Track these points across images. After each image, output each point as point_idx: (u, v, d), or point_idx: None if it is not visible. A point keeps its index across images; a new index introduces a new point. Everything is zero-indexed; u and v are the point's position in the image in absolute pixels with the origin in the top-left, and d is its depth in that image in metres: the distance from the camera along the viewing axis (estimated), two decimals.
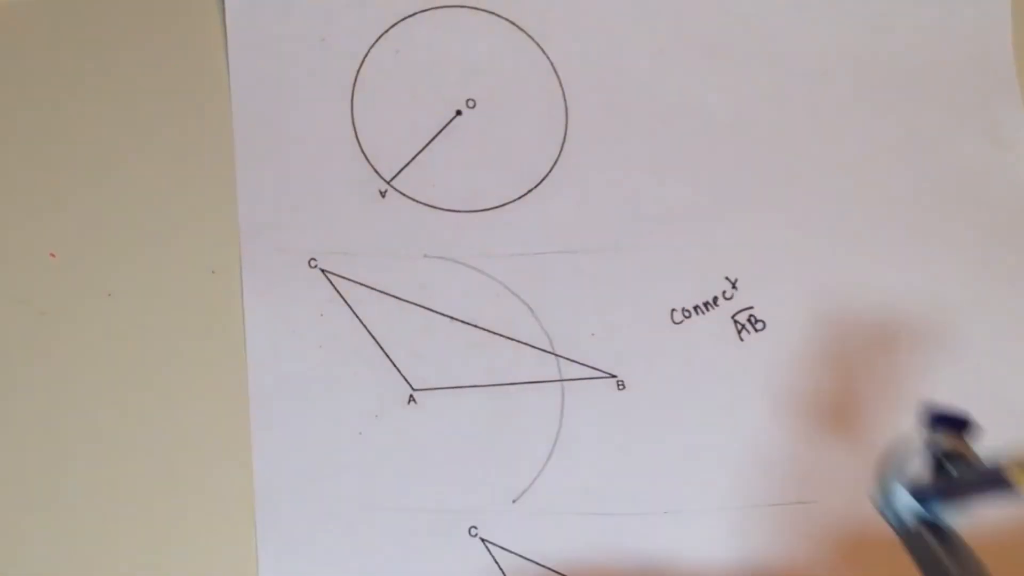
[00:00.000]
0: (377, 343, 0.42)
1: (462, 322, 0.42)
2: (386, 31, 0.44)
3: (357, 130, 0.44)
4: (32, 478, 0.41)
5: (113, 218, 0.43)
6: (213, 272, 0.43)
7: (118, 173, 0.44)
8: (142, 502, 0.41)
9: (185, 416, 0.41)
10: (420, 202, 0.43)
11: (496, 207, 0.43)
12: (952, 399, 0.32)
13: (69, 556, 0.40)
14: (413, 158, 0.43)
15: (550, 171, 0.44)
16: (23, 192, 0.43)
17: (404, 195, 0.43)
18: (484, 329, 0.42)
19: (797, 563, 0.40)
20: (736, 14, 0.44)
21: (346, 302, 0.42)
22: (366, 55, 0.44)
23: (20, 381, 0.42)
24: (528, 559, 0.40)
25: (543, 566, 0.40)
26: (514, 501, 0.41)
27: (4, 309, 0.42)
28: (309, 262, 0.43)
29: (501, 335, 0.42)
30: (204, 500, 0.41)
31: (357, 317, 0.42)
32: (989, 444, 0.31)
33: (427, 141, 0.44)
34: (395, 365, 0.42)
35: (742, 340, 0.42)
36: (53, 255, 0.43)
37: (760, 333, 0.42)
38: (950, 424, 0.32)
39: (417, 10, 0.44)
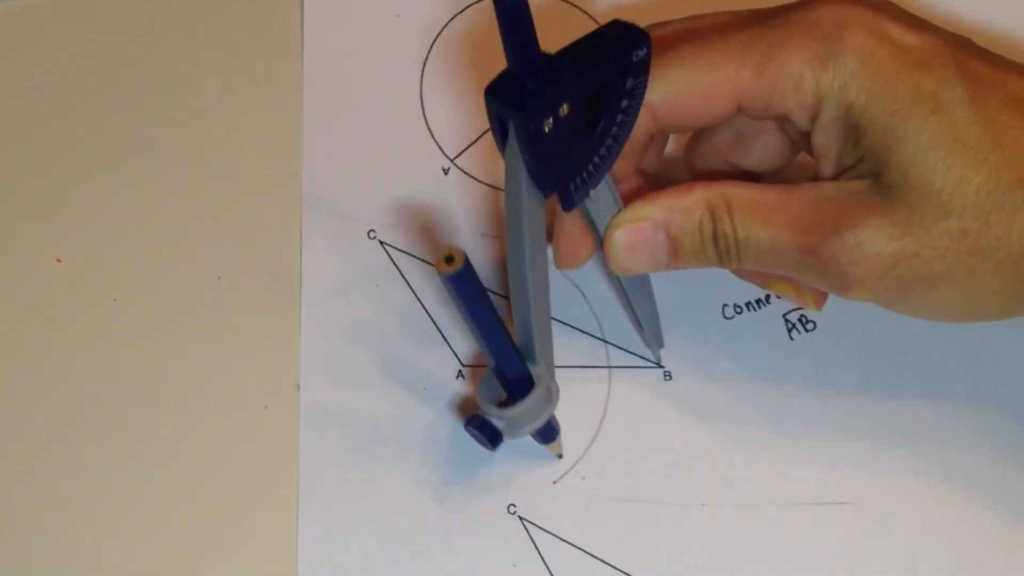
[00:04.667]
0: (430, 317, 0.42)
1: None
2: (460, 11, 0.45)
3: (425, 107, 0.44)
4: (35, 483, 0.41)
5: (119, 224, 0.44)
6: (219, 278, 0.43)
7: (124, 177, 0.44)
8: (158, 506, 0.41)
9: (195, 421, 0.42)
10: (481, 182, 0.44)
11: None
12: None
13: (73, 558, 0.40)
14: (478, 138, 0.44)
15: None
16: (29, 197, 0.44)
17: (466, 174, 0.44)
18: None
19: (833, 564, 0.40)
20: None
21: (402, 275, 0.43)
22: (439, 34, 0.45)
23: (26, 387, 0.42)
24: (565, 540, 0.40)
25: (579, 548, 0.40)
26: (554, 482, 0.41)
27: (10, 315, 0.43)
28: (368, 233, 0.43)
29: (553, 318, 0.43)
30: (236, 501, 0.41)
31: (412, 290, 0.43)
32: None
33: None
34: (446, 340, 0.42)
35: (792, 339, 0.42)
36: (59, 261, 0.43)
37: (810, 334, 0.42)
38: None
39: None
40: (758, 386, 0.42)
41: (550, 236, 0.39)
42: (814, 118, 0.34)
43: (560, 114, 0.31)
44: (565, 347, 0.42)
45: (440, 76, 0.45)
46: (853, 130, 0.33)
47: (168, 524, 0.40)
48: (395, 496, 0.41)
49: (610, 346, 0.42)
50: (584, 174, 0.34)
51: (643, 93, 0.33)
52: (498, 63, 0.44)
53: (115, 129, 0.45)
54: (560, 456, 0.41)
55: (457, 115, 0.44)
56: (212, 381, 0.42)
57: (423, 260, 0.43)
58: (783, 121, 0.35)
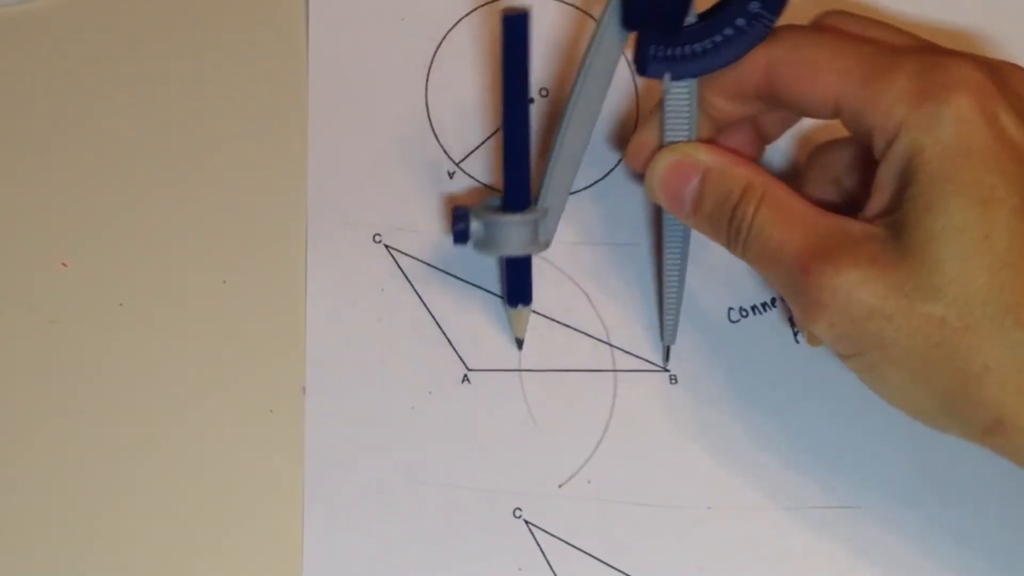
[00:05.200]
0: (435, 321, 0.42)
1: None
2: (466, 15, 0.45)
3: (430, 111, 0.44)
4: (40, 486, 0.41)
5: (124, 227, 0.44)
6: (224, 282, 0.43)
7: (128, 180, 0.44)
8: (163, 510, 0.41)
9: (201, 425, 0.42)
10: (487, 185, 0.44)
11: None
12: None
13: (79, 561, 0.40)
14: (483, 142, 0.44)
15: (617, 163, 0.44)
16: (34, 200, 0.44)
17: (472, 177, 0.44)
18: (541, 314, 0.43)
19: (838, 568, 0.40)
20: None
21: (407, 279, 0.43)
22: (444, 37, 0.45)
23: (31, 390, 0.42)
24: (570, 544, 0.40)
25: (585, 552, 0.40)
26: (560, 486, 0.41)
27: (15, 318, 0.43)
28: (373, 237, 0.43)
29: (558, 321, 0.43)
30: (242, 505, 0.41)
31: (417, 294, 0.43)
32: None
33: (498, 127, 0.44)
34: (451, 344, 0.42)
35: (798, 342, 0.42)
36: (64, 264, 0.43)
37: None
38: None
39: None
40: (764, 389, 0.42)
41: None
42: (887, 147, 0.34)
43: None
44: (570, 351, 0.42)
45: (445, 79, 0.45)
46: (909, 175, 0.33)
47: (174, 527, 0.40)
48: (400, 500, 0.41)
49: (615, 349, 0.42)
50: (670, 51, 0.36)
51: (766, 24, 0.35)
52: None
53: (119, 132, 0.44)
54: (519, 340, 0.42)
55: (462, 119, 0.44)
56: (217, 384, 0.42)
57: (429, 264, 0.43)
58: (865, 142, 0.35)
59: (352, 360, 0.42)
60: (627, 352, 0.42)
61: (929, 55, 0.34)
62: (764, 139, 0.40)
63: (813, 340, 0.41)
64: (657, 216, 0.42)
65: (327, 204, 0.43)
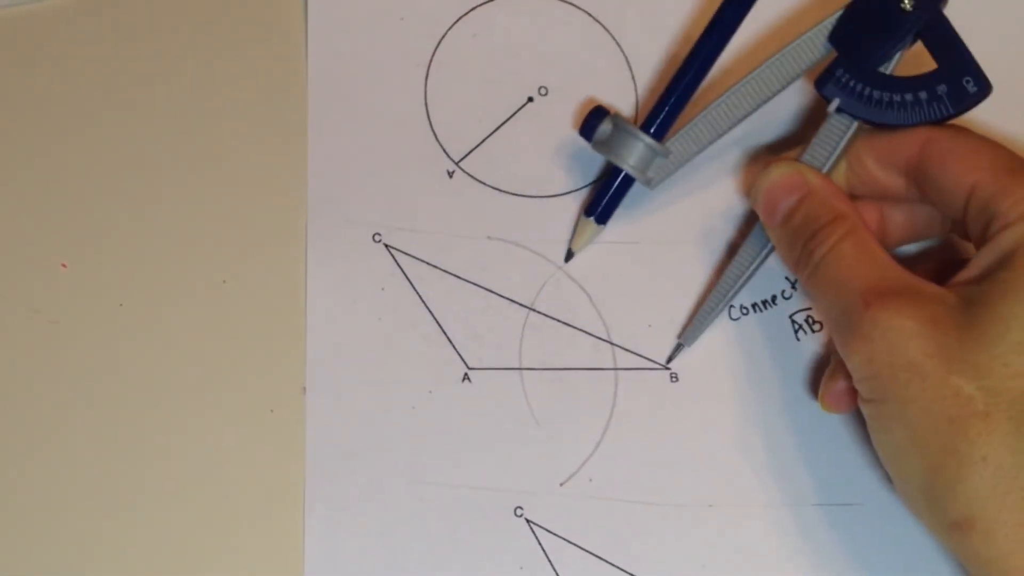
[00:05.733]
0: (435, 320, 0.42)
1: (520, 305, 0.43)
2: (465, 14, 0.45)
3: (429, 110, 0.44)
4: (41, 487, 0.41)
5: (125, 228, 0.44)
6: (224, 282, 0.43)
7: (129, 181, 0.44)
8: (164, 510, 0.41)
9: (201, 425, 0.42)
10: (487, 184, 0.44)
11: (561, 194, 0.44)
12: None
13: (80, 561, 0.40)
14: (483, 141, 0.44)
15: None
16: (34, 201, 0.44)
17: (471, 176, 0.44)
18: (542, 313, 0.43)
19: (840, 565, 0.40)
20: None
21: (407, 278, 0.43)
22: (443, 37, 0.45)
23: (32, 391, 0.42)
24: (572, 543, 0.40)
25: (586, 550, 0.40)
26: (561, 484, 0.41)
27: (15, 319, 0.43)
28: (373, 236, 0.43)
29: (558, 320, 0.43)
30: (242, 504, 0.41)
31: (417, 293, 0.43)
32: None
33: (497, 125, 0.44)
34: (452, 343, 0.42)
35: (798, 340, 0.42)
36: (64, 265, 0.43)
37: (817, 334, 0.42)
38: None
39: None
40: (764, 387, 0.42)
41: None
42: (1000, 231, 0.35)
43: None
44: (570, 349, 0.42)
45: (445, 79, 0.45)
46: (1007, 261, 0.34)
47: (175, 527, 0.40)
48: (401, 499, 0.41)
49: (616, 348, 0.42)
50: (853, 82, 0.38)
51: (945, 112, 0.37)
52: (505, 64, 0.45)
53: (119, 133, 0.44)
54: (570, 252, 0.43)
55: (462, 118, 0.44)
56: (218, 385, 0.42)
57: (428, 263, 0.43)
58: (982, 227, 0.36)
59: (352, 360, 0.42)
60: (628, 351, 0.42)
61: None
62: (884, 236, 0.41)
63: (827, 401, 0.40)
64: (747, 220, 0.43)
65: (327, 203, 0.43)
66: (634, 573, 0.40)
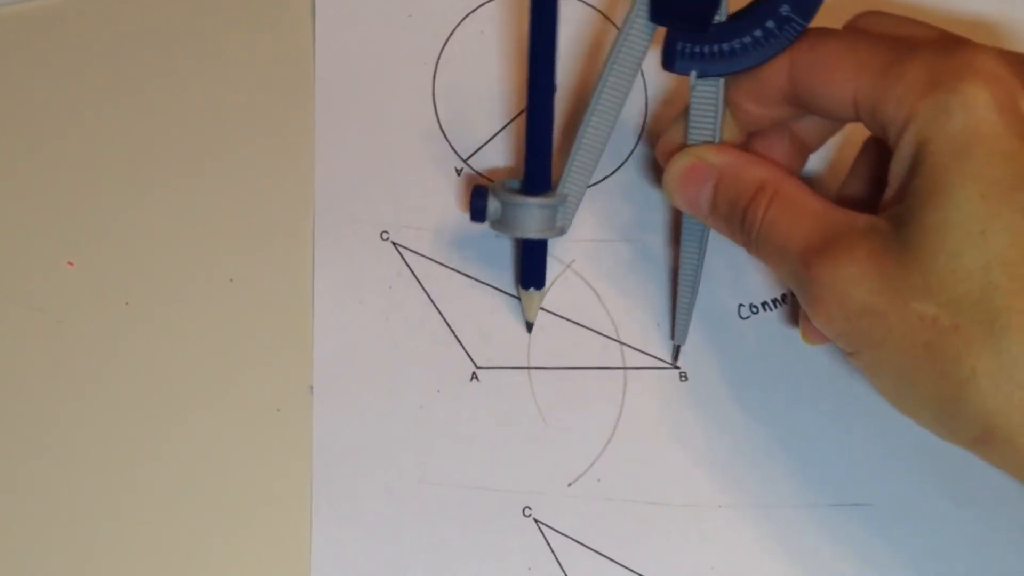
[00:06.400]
0: (443, 318, 0.42)
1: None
2: (473, 11, 0.45)
3: (437, 107, 0.44)
4: (46, 485, 0.41)
5: (131, 226, 0.43)
6: (231, 280, 0.43)
7: (135, 180, 0.44)
8: (171, 509, 0.41)
9: (208, 424, 0.42)
10: (494, 182, 0.43)
11: None
12: None
13: (85, 560, 0.40)
14: (491, 138, 0.44)
15: (625, 161, 0.44)
16: (40, 200, 0.44)
17: (479, 174, 0.44)
18: (550, 312, 0.42)
19: (850, 565, 0.40)
20: None
21: (415, 276, 0.43)
22: (451, 34, 0.45)
23: (37, 390, 0.42)
24: (580, 542, 0.40)
25: (594, 550, 0.40)
26: (570, 485, 0.41)
27: (21, 317, 0.42)
28: (381, 234, 0.43)
29: (567, 319, 0.42)
30: (249, 503, 0.41)
31: (425, 292, 0.43)
32: None
33: (506, 123, 0.44)
34: (460, 342, 0.42)
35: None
36: (71, 263, 0.43)
37: None
38: None
39: None
40: (774, 387, 0.42)
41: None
42: (898, 138, 0.33)
43: None
44: (579, 348, 0.42)
45: (452, 76, 0.44)
46: (916, 168, 0.32)
47: (181, 527, 0.40)
48: (409, 499, 0.40)
49: (625, 347, 0.42)
50: (698, 48, 0.36)
51: (796, 28, 0.35)
52: (513, 61, 0.44)
53: (126, 132, 0.44)
54: (529, 324, 0.42)
55: (470, 115, 0.44)
56: (224, 384, 0.42)
57: (436, 262, 0.43)
58: (882, 136, 0.34)
59: (360, 359, 0.42)
60: (637, 350, 0.42)
61: (947, 45, 0.33)
62: (804, 148, 0.39)
63: (807, 335, 0.40)
64: (675, 215, 0.42)
65: (334, 201, 0.43)
66: (643, 573, 0.40)
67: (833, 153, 0.43)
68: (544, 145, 0.38)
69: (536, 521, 0.40)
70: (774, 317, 0.42)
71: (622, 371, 0.42)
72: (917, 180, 0.32)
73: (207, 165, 0.44)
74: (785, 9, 0.35)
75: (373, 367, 0.42)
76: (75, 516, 0.41)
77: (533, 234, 0.39)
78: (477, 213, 0.39)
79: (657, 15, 0.36)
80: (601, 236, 0.43)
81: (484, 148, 0.44)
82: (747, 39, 0.35)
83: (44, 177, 0.44)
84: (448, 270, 0.43)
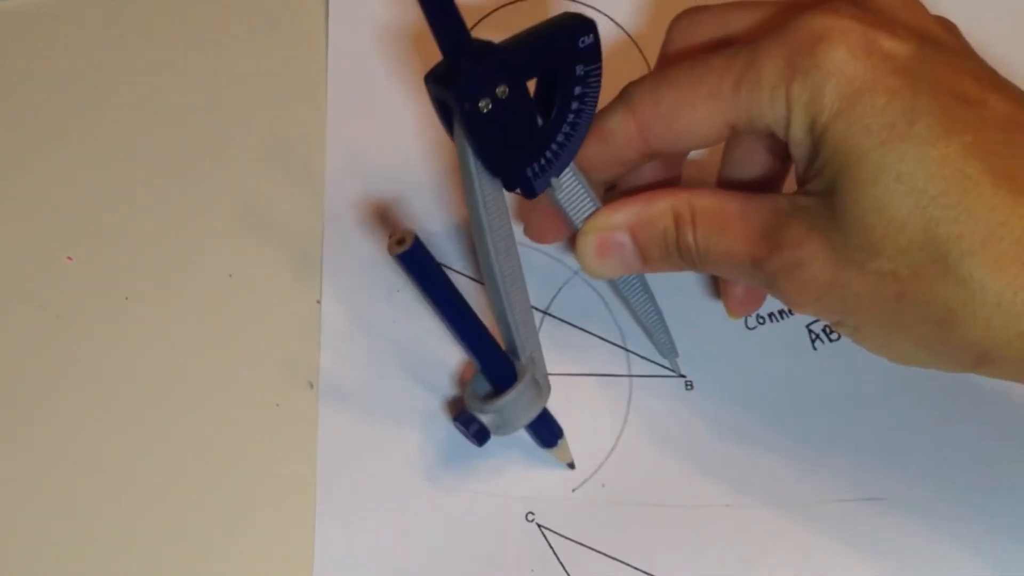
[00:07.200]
0: None
1: (536, 308, 0.42)
2: (487, 15, 0.45)
3: None
4: (45, 482, 0.40)
5: (130, 221, 0.43)
6: (230, 276, 0.43)
7: (135, 174, 0.44)
8: (171, 506, 0.40)
9: (207, 420, 0.41)
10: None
11: None
12: None
13: (85, 557, 0.39)
14: None
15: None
16: (40, 195, 0.44)
17: None
18: (557, 318, 0.42)
19: (862, 560, 0.39)
20: None
21: None
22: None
23: (37, 385, 0.41)
24: (583, 544, 0.39)
25: (599, 551, 0.39)
26: (574, 490, 0.40)
27: (20, 313, 0.42)
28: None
29: (573, 325, 0.42)
30: (249, 500, 0.40)
31: None
32: None
33: None
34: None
35: (815, 350, 0.42)
36: (70, 259, 0.43)
37: (834, 344, 0.42)
38: None
39: None
40: (781, 396, 0.41)
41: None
42: (787, 131, 0.33)
43: (499, 95, 0.32)
44: (586, 355, 0.42)
45: None
46: (816, 146, 0.32)
47: (181, 524, 0.39)
48: (412, 502, 0.40)
49: (631, 355, 0.42)
50: (542, 161, 0.35)
51: (597, 82, 0.34)
52: None
53: (127, 126, 0.44)
54: (571, 466, 0.40)
55: None
56: (223, 379, 0.41)
57: (444, 265, 0.42)
58: (770, 136, 0.34)
59: (366, 362, 0.41)
60: (643, 358, 0.42)
61: (784, 24, 0.33)
62: (678, 158, 0.39)
63: (731, 310, 0.41)
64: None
65: (343, 204, 0.43)
66: (649, 572, 0.39)
67: None
68: (491, 354, 0.37)
69: (539, 526, 0.40)
70: (781, 327, 0.42)
71: (628, 379, 0.42)
72: (822, 155, 0.32)
73: (211, 160, 0.44)
74: (578, 90, 0.34)
75: (379, 370, 0.41)
76: (74, 512, 0.39)
77: (534, 414, 0.38)
78: (481, 437, 0.38)
79: (496, 170, 0.34)
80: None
81: None
82: (567, 129, 0.35)
83: (44, 172, 0.44)
84: (455, 274, 0.43)
